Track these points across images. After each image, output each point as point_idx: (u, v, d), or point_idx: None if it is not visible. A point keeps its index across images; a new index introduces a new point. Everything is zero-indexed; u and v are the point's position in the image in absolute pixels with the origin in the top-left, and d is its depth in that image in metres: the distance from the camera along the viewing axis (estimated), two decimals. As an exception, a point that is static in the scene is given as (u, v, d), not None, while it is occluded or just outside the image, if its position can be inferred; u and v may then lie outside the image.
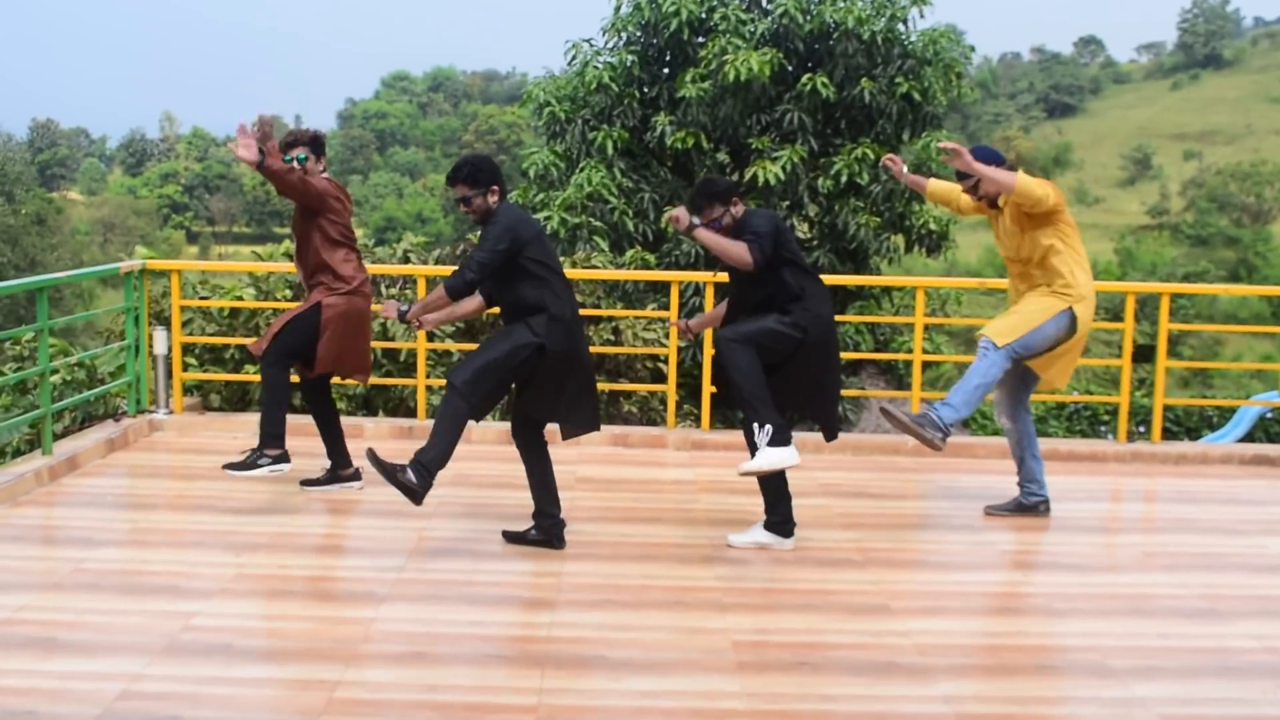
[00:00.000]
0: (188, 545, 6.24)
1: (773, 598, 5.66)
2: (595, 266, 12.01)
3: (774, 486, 6.36)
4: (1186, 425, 21.84)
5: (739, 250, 6.05)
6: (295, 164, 6.81)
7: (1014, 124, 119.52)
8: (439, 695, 4.49)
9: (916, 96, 14.99)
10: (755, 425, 6.07)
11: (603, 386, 10.60)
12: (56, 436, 8.04)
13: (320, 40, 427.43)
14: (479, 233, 6.11)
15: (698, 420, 9.38)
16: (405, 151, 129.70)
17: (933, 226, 15.57)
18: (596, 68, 15.60)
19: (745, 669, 4.79)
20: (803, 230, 15.70)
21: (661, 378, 10.96)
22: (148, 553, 6.13)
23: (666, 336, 10.70)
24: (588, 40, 16.30)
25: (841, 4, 15.08)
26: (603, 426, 9.32)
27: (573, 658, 4.89)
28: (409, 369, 10.22)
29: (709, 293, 8.99)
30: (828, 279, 11.11)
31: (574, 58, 16.10)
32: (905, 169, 7.31)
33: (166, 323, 9.38)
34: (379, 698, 4.48)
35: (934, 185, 7.42)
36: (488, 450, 8.45)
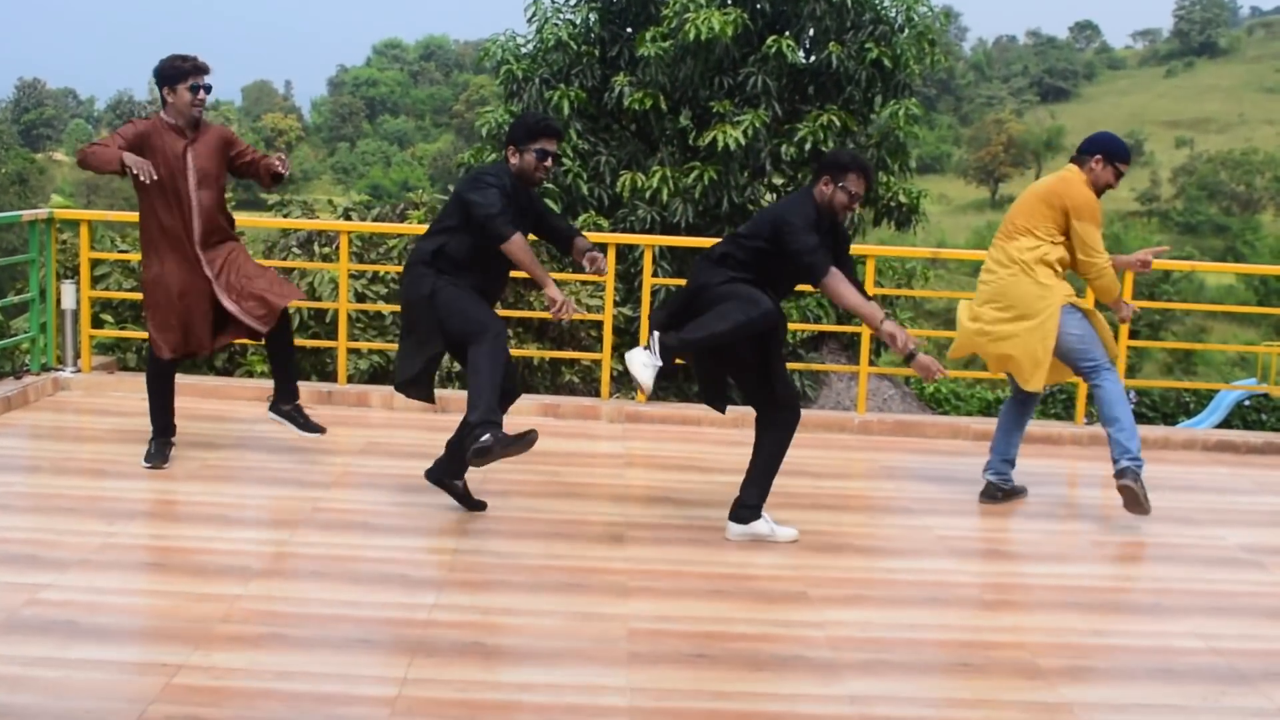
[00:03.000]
0: (59, 511, 5.76)
1: (682, 582, 5.21)
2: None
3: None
4: (1163, 411, 21.51)
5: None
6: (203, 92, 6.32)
7: (1007, 107, 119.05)
8: (289, 684, 4.03)
9: (887, 63, 14.47)
10: None
11: (540, 354, 10.16)
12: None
13: (313, 7, 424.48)
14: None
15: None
16: (395, 120, 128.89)
17: (902, 199, 15.09)
18: (556, 25, 15.07)
19: (636, 660, 4.34)
20: (767, 199, 15.22)
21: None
22: (12, 519, 5.64)
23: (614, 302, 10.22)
24: (549, -3, 15.70)
25: (811, -37, 14.55)
26: (536, 395, 8.91)
27: (448, 644, 4.43)
28: (333, 330, 9.74)
29: (647, 258, 8.54)
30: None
31: (534, 14, 15.52)
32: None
33: (76, 276, 8.87)
34: (221, 684, 4.02)
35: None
36: (406, 417, 7.99)
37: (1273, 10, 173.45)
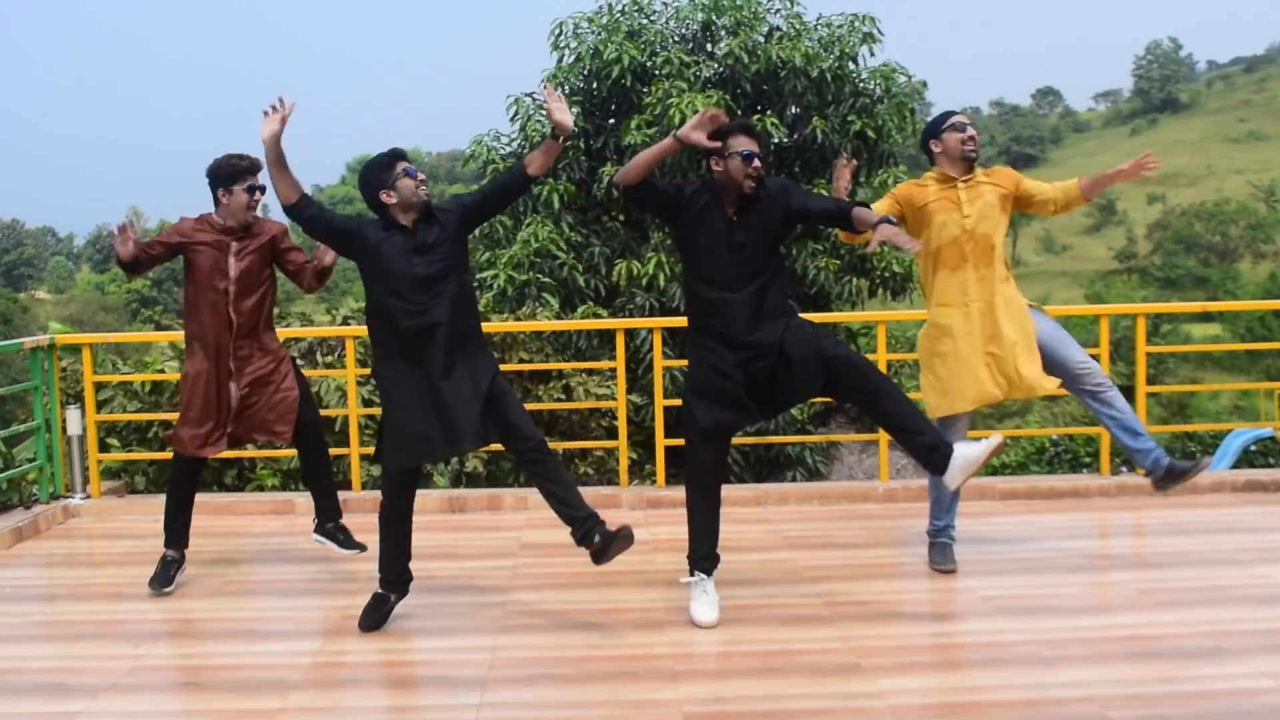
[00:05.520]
0: (82, 638, 5.62)
1: (731, 662, 5.07)
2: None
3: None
4: (1170, 463, 21.33)
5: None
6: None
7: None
8: (342, 796, 3.89)
9: (871, 134, 14.57)
10: None
11: (555, 445, 10.01)
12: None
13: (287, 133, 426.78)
14: None
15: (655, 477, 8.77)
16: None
17: (895, 268, 15.12)
18: (539, 121, 15.14)
19: (697, 745, 4.20)
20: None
21: (616, 435, 10.37)
22: (35, 648, 5.50)
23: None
24: (529, 94, 15.82)
25: (788, 42, 14.67)
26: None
27: (501, 742, 4.29)
28: (343, 439, 9.61)
29: (657, 340, 8.46)
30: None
31: (516, 113, 15.60)
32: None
33: (81, 400, 8.75)
34: (272, 802, 3.87)
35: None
36: (427, 520, 7.84)
37: (1229, 62, 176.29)
